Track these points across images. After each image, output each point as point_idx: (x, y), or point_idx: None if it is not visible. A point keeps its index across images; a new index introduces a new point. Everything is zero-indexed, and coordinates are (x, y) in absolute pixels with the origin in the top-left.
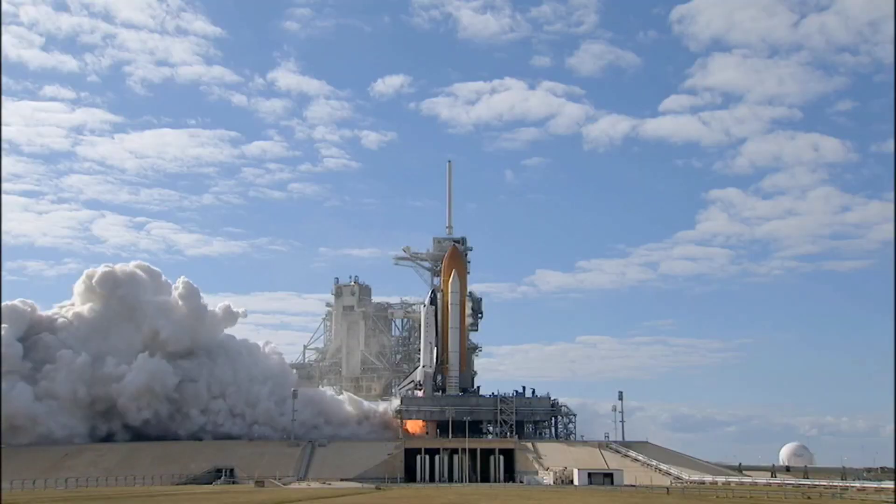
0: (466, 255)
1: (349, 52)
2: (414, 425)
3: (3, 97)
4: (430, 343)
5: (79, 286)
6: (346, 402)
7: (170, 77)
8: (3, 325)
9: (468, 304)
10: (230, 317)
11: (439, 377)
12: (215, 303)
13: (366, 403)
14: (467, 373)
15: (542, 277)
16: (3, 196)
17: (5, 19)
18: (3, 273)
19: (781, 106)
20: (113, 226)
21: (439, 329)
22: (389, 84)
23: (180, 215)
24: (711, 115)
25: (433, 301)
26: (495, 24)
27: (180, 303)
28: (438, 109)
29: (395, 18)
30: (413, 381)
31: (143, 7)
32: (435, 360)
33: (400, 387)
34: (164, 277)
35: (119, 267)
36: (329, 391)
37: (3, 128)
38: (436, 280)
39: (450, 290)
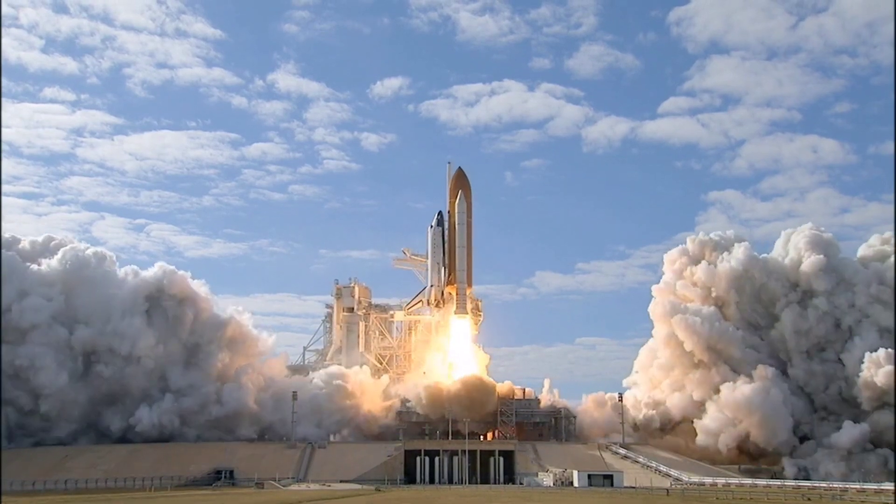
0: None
1: (348, 54)
2: None
3: (3, 99)
4: (438, 263)
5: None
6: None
7: (170, 79)
8: (1, 326)
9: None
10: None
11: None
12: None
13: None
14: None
15: (542, 279)
16: (3, 198)
17: (5, 22)
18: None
19: (780, 108)
20: (112, 228)
21: (446, 249)
22: (389, 86)
23: (180, 217)
24: (710, 116)
25: (440, 223)
26: (494, 26)
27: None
28: (438, 111)
29: (395, 20)
30: (422, 299)
31: (142, 9)
32: (443, 280)
33: (408, 306)
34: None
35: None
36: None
37: (3, 130)
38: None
39: (456, 211)
